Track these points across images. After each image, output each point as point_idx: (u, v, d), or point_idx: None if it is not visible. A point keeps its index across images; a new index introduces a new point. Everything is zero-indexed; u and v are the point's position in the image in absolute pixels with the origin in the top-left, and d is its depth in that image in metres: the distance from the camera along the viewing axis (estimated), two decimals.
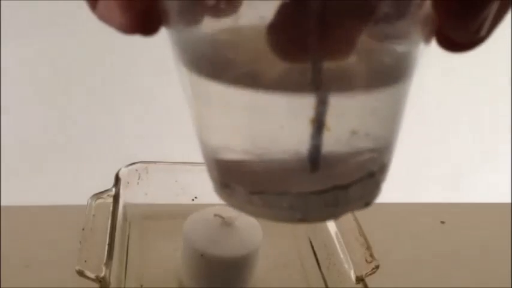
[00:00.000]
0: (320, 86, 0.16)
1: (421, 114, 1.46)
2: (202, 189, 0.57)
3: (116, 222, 0.46)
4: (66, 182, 1.26)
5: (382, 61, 0.17)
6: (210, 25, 0.16)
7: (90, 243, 0.43)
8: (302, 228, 0.57)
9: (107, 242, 0.43)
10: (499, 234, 0.65)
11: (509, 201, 0.70)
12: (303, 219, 0.19)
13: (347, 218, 0.51)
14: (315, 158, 0.17)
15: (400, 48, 0.17)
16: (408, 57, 0.17)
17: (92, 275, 0.40)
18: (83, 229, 0.44)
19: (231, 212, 0.48)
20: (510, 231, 0.64)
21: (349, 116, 0.17)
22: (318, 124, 0.16)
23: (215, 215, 0.47)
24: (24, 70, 1.15)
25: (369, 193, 0.20)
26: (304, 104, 0.16)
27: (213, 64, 0.17)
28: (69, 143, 1.26)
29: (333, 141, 0.17)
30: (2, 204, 0.58)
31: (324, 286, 0.50)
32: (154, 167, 0.55)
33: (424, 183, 1.54)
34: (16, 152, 1.22)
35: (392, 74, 0.17)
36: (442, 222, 0.66)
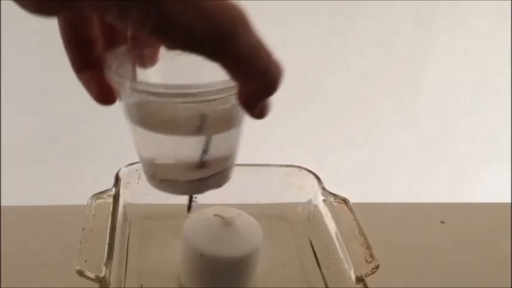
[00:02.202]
0: (204, 133, 0.32)
1: (421, 115, 1.46)
2: None
3: (115, 222, 0.46)
4: (66, 182, 1.26)
5: (228, 128, 0.33)
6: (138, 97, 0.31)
7: (90, 243, 0.43)
8: (302, 228, 0.57)
9: (107, 242, 0.43)
10: (499, 234, 0.65)
11: (509, 201, 0.70)
12: (185, 193, 0.37)
13: (347, 218, 0.51)
14: (202, 164, 0.33)
15: (236, 112, 0.32)
16: (239, 116, 0.32)
17: (92, 275, 0.40)
18: (83, 229, 0.44)
19: (231, 212, 0.48)
20: (510, 231, 0.64)
21: (213, 149, 0.33)
22: (205, 149, 0.32)
23: (215, 215, 0.47)
24: (24, 71, 1.15)
25: (218, 182, 0.35)
26: (190, 147, 0.32)
27: (141, 122, 0.32)
28: (69, 143, 1.26)
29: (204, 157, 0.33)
30: (2, 204, 0.58)
31: (324, 286, 0.50)
32: None
33: (424, 183, 1.54)
34: (16, 152, 1.22)
35: (233, 124, 0.33)
36: (442, 222, 0.66)
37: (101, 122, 1.25)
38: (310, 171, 0.57)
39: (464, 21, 1.35)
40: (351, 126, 1.42)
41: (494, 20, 1.35)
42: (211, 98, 0.29)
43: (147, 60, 0.32)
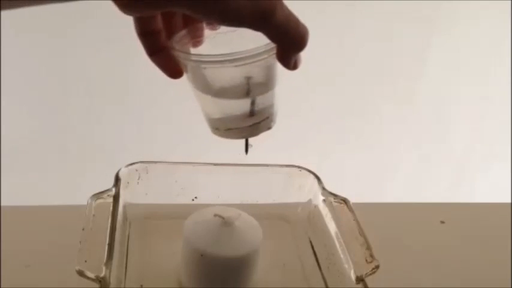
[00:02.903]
0: (250, 95, 0.41)
1: (422, 114, 1.46)
2: (202, 189, 0.57)
3: (115, 222, 0.46)
4: (66, 182, 1.26)
5: (269, 83, 0.42)
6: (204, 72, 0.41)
7: (90, 243, 0.43)
8: (302, 228, 0.57)
9: (107, 242, 0.43)
10: (499, 234, 0.65)
11: (509, 201, 0.70)
12: (245, 136, 0.44)
13: (347, 218, 0.51)
14: (252, 112, 0.42)
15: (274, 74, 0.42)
16: (275, 78, 0.42)
17: (92, 275, 0.40)
18: (83, 229, 0.44)
19: (231, 212, 0.48)
20: (510, 231, 0.64)
21: (260, 100, 0.42)
22: (252, 104, 0.41)
23: (215, 215, 0.47)
24: (24, 71, 1.15)
25: (268, 124, 0.44)
26: (242, 101, 0.41)
27: (204, 88, 0.41)
28: (69, 143, 1.26)
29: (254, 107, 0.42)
30: (2, 204, 0.58)
31: (324, 286, 0.50)
32: (154, 167, 0.56)
33: (424, 183, 1.54)
34: (16, 152, 1.22)
35: (272, 84, 0.42)
36: (442, 222, 0.66)
37: (101, 122, 1.25)
38: (310, 171, 0.57)
39: (464, 21, 1.35)
40: (351, 126, 1.42)
41: (494, 20, 1.35)
42: (257, 59, 0.38)
43: (198, 40, 0.42)
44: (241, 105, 0.42)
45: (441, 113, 1.47)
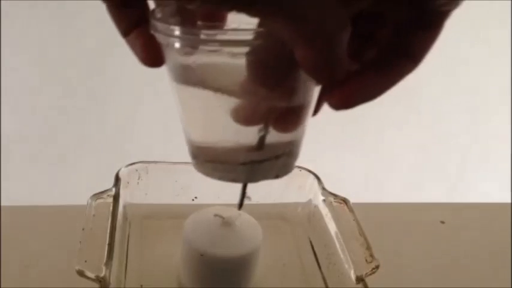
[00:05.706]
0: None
1: (422, 114, 1.46)
2: (202, 189, 0.57)
3: (115, 222, 0.46)
4: (66, 182, 1.26)
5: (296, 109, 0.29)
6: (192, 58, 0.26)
7: (90, 243, 0.43)
8: (302, 228, 0.57)
9: (107, 242, 0.43)
10: (499, 234, 0.65)
11: (509, 201, 0.70)
12: (234, 180, 0.30)
13: (347, 218, 0.51)
14: (261, 146, 0.28)
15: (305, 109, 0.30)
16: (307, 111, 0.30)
17: (92, 275, 0.40)
18: (83, 229, 0.44)
19: (231, 212, 0.48)
20: (510, 231, 0.64)
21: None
22: (264, 133, 0.27)
23: (215, 215, 0.47)
24: (24, 70, 1.15)
25: (282, 169, 0.31)
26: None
27: (191, 79, 0.27)
28: (69, 143, 1.26)
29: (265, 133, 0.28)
30: (2, 204, 0.58)
31: (324, 286, 0.50)
32: (154, 167, 0.55)
33: (424, 183, 1.54)
34: (16, 151, 1.22)
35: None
36: (442, 222, 0.66)
37: (101, 122, 1.25)
38: (310, 171, 0.57)
39: (464, 21, 1.35)
40: (351, 126, 1.42)
41: (494, 19, 1.35)
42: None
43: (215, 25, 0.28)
44: (244, 128, 0.27)
45: (441, 113, 1.47)
